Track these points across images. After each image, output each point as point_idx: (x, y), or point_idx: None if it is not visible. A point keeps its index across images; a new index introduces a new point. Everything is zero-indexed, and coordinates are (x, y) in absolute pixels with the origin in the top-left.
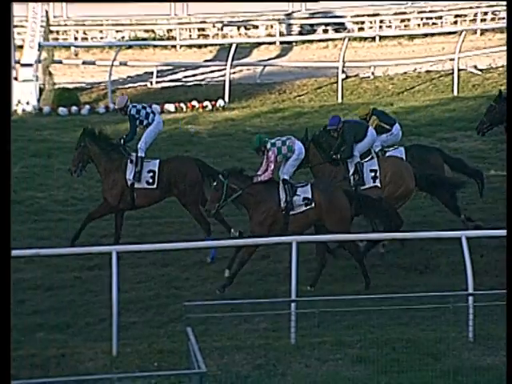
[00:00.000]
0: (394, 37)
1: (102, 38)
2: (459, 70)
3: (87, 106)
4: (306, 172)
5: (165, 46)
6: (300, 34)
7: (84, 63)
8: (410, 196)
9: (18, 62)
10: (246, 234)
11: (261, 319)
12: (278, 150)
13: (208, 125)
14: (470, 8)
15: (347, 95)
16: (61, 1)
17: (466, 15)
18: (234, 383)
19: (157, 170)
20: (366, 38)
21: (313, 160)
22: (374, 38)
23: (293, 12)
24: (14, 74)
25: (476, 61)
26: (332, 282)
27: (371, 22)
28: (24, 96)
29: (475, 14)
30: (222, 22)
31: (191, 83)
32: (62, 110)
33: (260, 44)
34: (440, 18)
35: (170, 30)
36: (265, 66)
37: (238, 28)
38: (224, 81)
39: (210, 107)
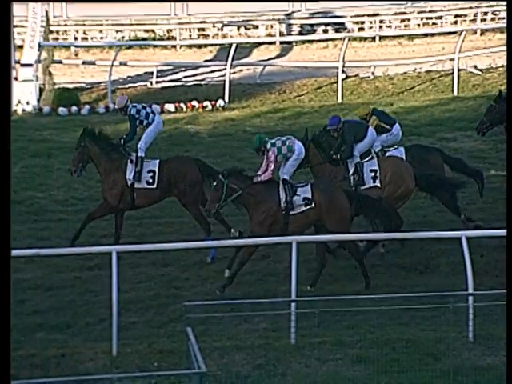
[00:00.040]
0: (394, 37)
1: (101, 37)
2: (459, 69)
3: (87, 106)
4: (306, 172)
5: (165, 46)
6: (300, 33)
7: (84, 63)
8: (409, 196)
9: (17, 62)
10: (246, 233)
11: (261, 319)
12: (278, 150)
13: (208, 125)
14: (470, 8)
15: (347, 95)
16: (61, 1)
17: (465, 15)
18: (234, 383)
19: (157, 170)
20: (366, 38)
21: (313, 160)
22: (374, 38)
23: (293, 12)
24: (14, 74)
25: (476, 61)
26: (332, 282)
27: (371, 22)
28: (24, 96)
29: (475, 14)
30: (222, 22)
31: (191, 83)
32: (61, 110)
33: (260, 44)
34: (440, 18)
35: (170, 30)
36: (265, 65)
37: (238, 28)
38: (224, 81)
39: (210, 107)
